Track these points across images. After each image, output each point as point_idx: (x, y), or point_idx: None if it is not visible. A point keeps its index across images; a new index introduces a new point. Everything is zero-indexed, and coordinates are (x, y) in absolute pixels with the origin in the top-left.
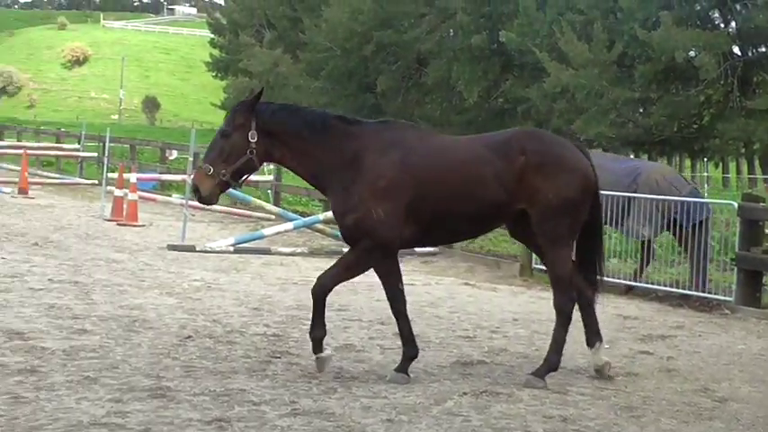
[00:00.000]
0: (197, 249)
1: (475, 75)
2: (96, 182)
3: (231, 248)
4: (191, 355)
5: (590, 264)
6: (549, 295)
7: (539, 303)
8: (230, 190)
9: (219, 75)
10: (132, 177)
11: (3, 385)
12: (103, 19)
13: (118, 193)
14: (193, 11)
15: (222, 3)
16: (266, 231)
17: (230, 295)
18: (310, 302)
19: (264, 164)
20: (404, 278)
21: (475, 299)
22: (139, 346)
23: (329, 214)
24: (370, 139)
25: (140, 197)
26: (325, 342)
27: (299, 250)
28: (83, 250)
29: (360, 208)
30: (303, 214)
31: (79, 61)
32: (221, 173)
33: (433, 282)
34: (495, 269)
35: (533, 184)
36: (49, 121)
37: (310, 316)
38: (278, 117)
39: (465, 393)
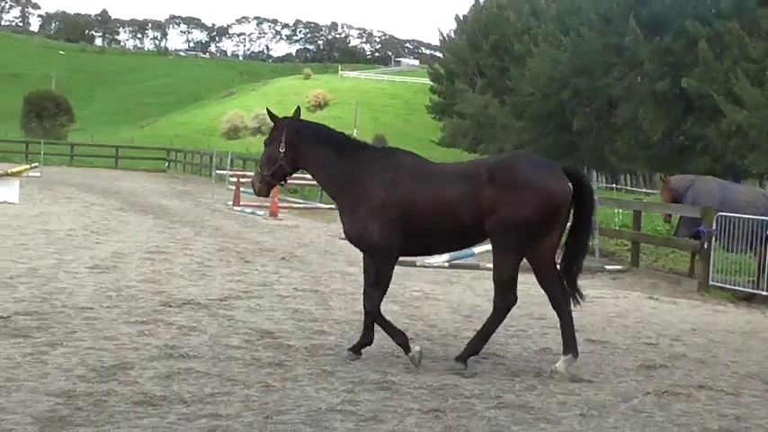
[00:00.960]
0: (417, 264)
1: (659, 116)
2: (334, 206)
3: (446, 264)
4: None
5: (570, 276)
6: (725, 309)
7: (714, 316)
8: None
9: (437, 116)
10: None
11: (256, 376)
12: (341, 70)
13: None
14: (416, 62)
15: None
16: (476, 249)
17: (445, 304)
18: (516, 311)
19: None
20: (595, 292)
21: (657, 311)
22: (369, 346)
23: None
24: (371, 162)
25: None
26: (504, 345)
27: None
28: (322, 264)
29: (359, 223)
30: None
31: (320, 105)
32: (265, 174)
33: (620, 296)
34: (676, 285)
35: (493, 204)
36: None
37: (515, 323)
38: (301, 134)
39: (648, 393)
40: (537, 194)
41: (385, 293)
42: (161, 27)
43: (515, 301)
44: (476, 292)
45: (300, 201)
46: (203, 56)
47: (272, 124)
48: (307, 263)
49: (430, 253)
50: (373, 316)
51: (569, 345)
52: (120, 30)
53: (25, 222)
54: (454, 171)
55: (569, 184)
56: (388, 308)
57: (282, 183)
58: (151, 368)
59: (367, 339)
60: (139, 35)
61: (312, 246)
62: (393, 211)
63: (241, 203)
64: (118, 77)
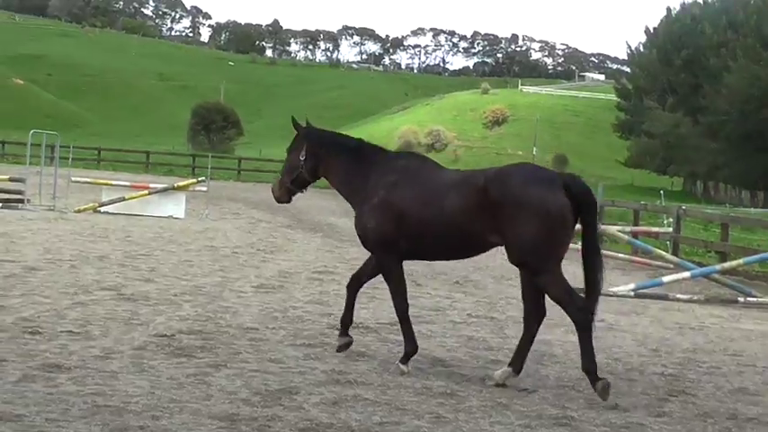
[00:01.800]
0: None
1: None
2: None
3: (631, 293)
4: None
5: (590, 300)
6: None
7: None
8: (633, 239)
9: (623, 135)
10: None
11: (427, 405)
12: (521, 84)
13: None
14: (601, 77)
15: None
16: (665, 279)
17: (630, 336)
18: (708, 346)
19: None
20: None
21: None
22: (547, 378)
23: (726, 265)
24: (380, 165)
25: None
26: (695, 382)
27: (695, 297)
28: (498, 289)
29: (362, 219)
30: (700, 264)
31: (498, 122)
32: (285, 181)
33: None
34: None
35: (498, 221)
36: None
37: (707, 359)
38: (322, 143)
39: None
40: (531, 211)
41: (405, 294)
42: (333, 38)
43: (584, 305)
44: (664, 325)
45: None
46: (376, 68)
47: (448, 139)
48: (481, 287)
49: (428, 258)
50: (401, 317)
51: (519, 359)
52: (292, 41)
53: (191, 238)
54: (454, 178)
55: (565, 197)
56: (567, 338)
57: (303, 190)
58: (317, 394)
59: (410, 348)
60: (311, 46)
61: (488, 270)
62: (390, 210)
63: None
64: (288, 90)
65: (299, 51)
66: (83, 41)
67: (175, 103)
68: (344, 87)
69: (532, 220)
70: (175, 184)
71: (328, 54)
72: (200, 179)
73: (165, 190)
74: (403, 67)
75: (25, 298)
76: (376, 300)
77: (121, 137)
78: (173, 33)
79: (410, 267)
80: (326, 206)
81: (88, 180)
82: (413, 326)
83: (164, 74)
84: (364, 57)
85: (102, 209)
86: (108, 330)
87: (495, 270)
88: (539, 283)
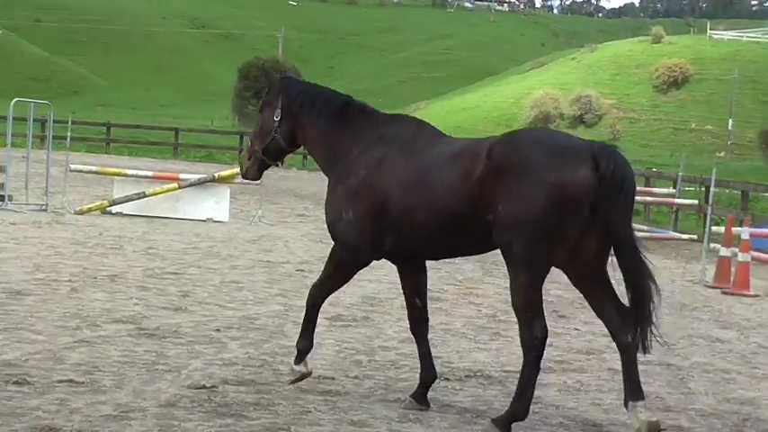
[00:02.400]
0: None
1: None
2: (695, 237)
3: None
4: None
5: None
6: None
7: None
8: None
9: None
10: (744, 233)
11: None
12: (710, 29)
13: (724, 252)
14: None
15: None
16: None
17: None
18: None
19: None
20: None
21: None
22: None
23: None
24: (365, 132)
25: (754, 259)
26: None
27: None
28: (676, 323)
29: (334, 205)
30: None
31: (677, 83)
32: (256, 150)
33: None
34: None
35: (491, 193)
36: (636, 159)
37: None
38: (299, 99)
39: None
40: (538, 183)
41: (332, 291)
42: None
43: (545, 335)
44: None
45: (644, 227)
46: (500, 8)
47: (603, 109)
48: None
49: (420, 256)
50: (308, 307)
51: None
52: None
53: (238, 250)
54: (454, 148)
55: (591, 170)
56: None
57: (279, 163)
58: None
59: (303, 345)
60: None
61: (662, 295)
62: (371, 197)
63: None
64: (372, 40)
65: None
66: None
67: (215, 59)
68: (453, 36)
69: (536, 193)
70: (216, 175)
71: None
72: None
73: (201, 182)
74: (538, 5)
75: (8, 334)
76: (500, 338)
77: (140, 107)
78: None
79: (551, 293)
80: None
81: (93, 168)
82: (557, 375)
83: (199, 19)
84: None
85: (114, 209)
86: (123, 380)
87: (672, 296)
88: (510, 276)
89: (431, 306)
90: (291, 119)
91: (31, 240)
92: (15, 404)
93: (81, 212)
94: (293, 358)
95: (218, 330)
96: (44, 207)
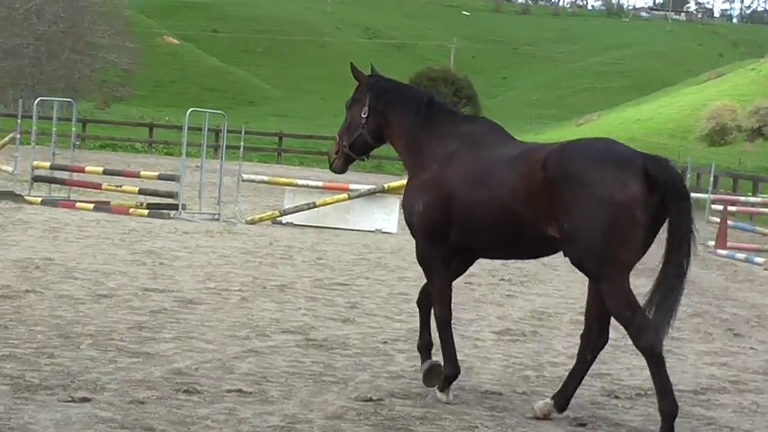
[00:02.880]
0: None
1: None
2: None
3: None
4: None
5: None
6: None
7: None
8: None
9: None
10: None
11: None
12: None
13: None
14: None
15: None
16: None
17: None
18: None
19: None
20: None
21: None
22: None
23: None
24: (443, 129)
25: None
26: None
27: None
28: None
29: (410, 198)
30: None
31: None
32: (343, 145)
33: None
34: None
35: (549, 204)
36: None
37: None
38: (386, 97)
39: None
40: (591, 195)
41: (449, 301)
42: None
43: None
44: None
45: None
46: (676, 17)
47: None
48: None
49: (483, 254)
50: (439, 332)
51: (562, 393)
52: None
53: (407, 262)
54: (518, 150)
55: (642, 185)
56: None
57: (364, 157)
58: None
59: (450, 371)
60: None
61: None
62: (441, 189)
63: (728, 245)
64: (546, 50)
65: None
66: None
67: (388, 69)
68: (629, 45)
69: (592, 208)
70: (386, 185)
71: None
72: None
73: (371, 193)
74: (716, 14)
75: (179, 343)
76: (673, 355)
77: (313, 117)
78: None
79: (726, 311)
80: None
81: (265, 178)
82: (732, 395)
83: (372, 29)
84: (658, 1)
85: (285, 219)
86: (291, 391)
87: None
88: (598, 292)
89: None
90: (378, 115)
91: (203, 249)
92: (185, 413)
93: (252, 222)
94: (440, 383)
95: (385, 342)
96: (216, 216)
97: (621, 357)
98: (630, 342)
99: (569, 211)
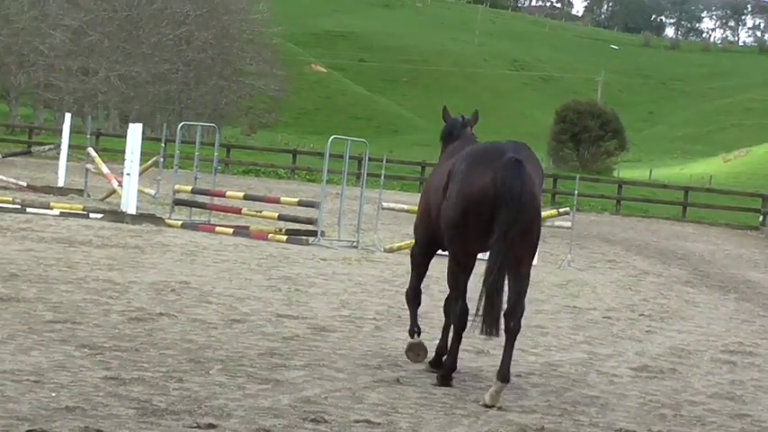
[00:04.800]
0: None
1: None
2: None
3: None
4: None
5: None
6: None
7: None
8: None
9: None
10: None
11: None
12: None
13: None
14: None
15: None
16: None
17: None
18: None
19: None
20: None
21: None
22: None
23: None
24: (451, 149)
25: None
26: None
27: None
28: None
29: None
30: None
31: None
32: None
33: None
34: None
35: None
36: None
37: None
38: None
39: None
40: (455, 188)
41: (418, 282)
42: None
43: (463, 312)
44: None
45: None
46: None
47: None
48: None
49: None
50: (407, 297)
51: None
52: (704, 14)
53: (545, 294)
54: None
55: (490, 180)
56: None
57: None
58: None
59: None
60: (732, 22)
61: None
62: (427, 197)
63: None
64: (694, 86)
65: (713, 30)
66: (408, 14)
67: (534, 101)
68: None
69: (452, 194)
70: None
71: (758, 34)
72: (562, 210)
73: None
74: None
75: (310, 371)
76: None
77: None
78: (532, 3)
79: None
80: (746, 255)
81: (405, 207)
82: None
83: (519, 60)
84: None
85: None
86: (420, 423)
87: None
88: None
89: (743, 361)
90: None
91: (340, 277)
92: None
93: (390, 250)
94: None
95: (519, 376)
96: (355, 244)
97: (763, 399)
98: None
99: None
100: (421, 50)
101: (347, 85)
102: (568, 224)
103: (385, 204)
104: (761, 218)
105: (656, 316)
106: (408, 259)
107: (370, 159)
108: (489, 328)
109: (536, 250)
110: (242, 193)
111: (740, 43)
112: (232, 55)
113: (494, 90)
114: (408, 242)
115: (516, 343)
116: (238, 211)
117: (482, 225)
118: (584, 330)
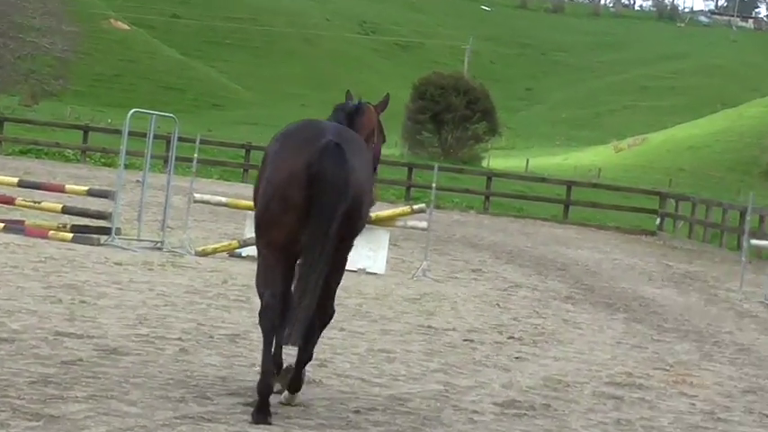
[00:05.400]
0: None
1: None
2: None
3: None
4: None
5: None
6: None
7: None
8: None
9: None
10: None
11: None
12: None
13: None
14: None
15: None
16: None
17: None
18: None
19: None
20: None
21: None
22: None
23: None
24: None
25: None
26: None
27: None
28: None
29: None
30: None
31: None
32: None
33: None
34: None
35: None
36: None
37: None
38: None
39: None
40: (265, 174)
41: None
42: None
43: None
44: None
45: None
46: (742, 24)
47: None
48: None
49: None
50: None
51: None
52: None
53: (394, 311)
54: None
55: (300, 164)
56: None
57: None
58: None
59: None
60: None
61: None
62: None
63: None
64: (581, 58)
65: None
66: None
67: (386, 72)
68: (683, 56)
69: (262, 181)
70: (373, 215)
71: None
72: (416, 207)
73: None
74: None
75: (95, 403)
76: None
77: None
78: None
79: None
80: (638, 265)
81: (223, 200)
82: None
83: (368, 22)
84: (722, 3)
85: (245, 251)
86: None
87: None
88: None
89: (631, 395)
90: None
91: (138, 286)
92: None
93: (204, 254)
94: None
95: (357, 412)
96: (159, 245)
97: None
98: None
99: None
100: (249, 6)
101: (156, 46)
102: (424, 224)
103: (198, 196)
104: (658, 220)
105: (529, 339)
106: (225, 265)
107: (180, 140)
108: (296, 336)
109: (349, 251)
110: (16, 179)
111: (636, 7)
112: (8, 5)
113: (338, 57)
114: (226, 243)
115: (355, 372)
116: (11, 201)
117: (292, 218)
118: (440, 356)
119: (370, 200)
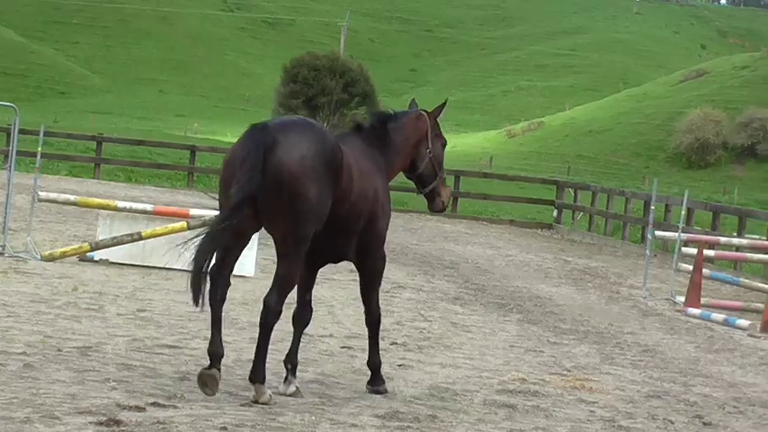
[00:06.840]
0: None
1: None
2: None
3: None
4: None
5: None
6: None
7: None
8: None
9: None
10: None
11: None
12: None
13: None
14: None
15: None
16: None
17: None
18: None
19: None
20: None
21: None
22: None
23: None
24: None
25: None
26: None
27: None
28: None
29: None
30: None
31: None
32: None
33: None
34: None
35: None
36: None
37: None
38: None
39: None
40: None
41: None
42: None
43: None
44: None
45: None
46: None
47: None
48: None
49: None
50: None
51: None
52: None
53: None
54: None
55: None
56: None
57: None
58: None
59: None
60: None
61: None
62: None
63: (702, 302)
64: (471, 34)
65: None
66: None
67: (254, 53)
68: (582, 31)
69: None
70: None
71: None
72: None
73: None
74: None
75: None
76: None
77: (148, 116)
78: None
79: (695, 392)
80: (534, 261)
81: (72, 198)
82: None
83: None
84: None
85: (97, 254)
86: None
87: None
88: None
89: (526, 403)
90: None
91: None
92: None
93: (51, 258)
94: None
95: (224, 429)
96: (0, 249)
97: None
98: None
99: None
100: None
101: None
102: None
103: (43, 194)
104: (555, 212)
105: (413, 345)
106: (75, 271)
107: (22, 131)
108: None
109: (298, 232)
110: None
111: None
112: None
113: (198, 37)
114: (76, 247)
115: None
116: None
117: (224, 199)
118: (315, 365)
119: (360, 192)
